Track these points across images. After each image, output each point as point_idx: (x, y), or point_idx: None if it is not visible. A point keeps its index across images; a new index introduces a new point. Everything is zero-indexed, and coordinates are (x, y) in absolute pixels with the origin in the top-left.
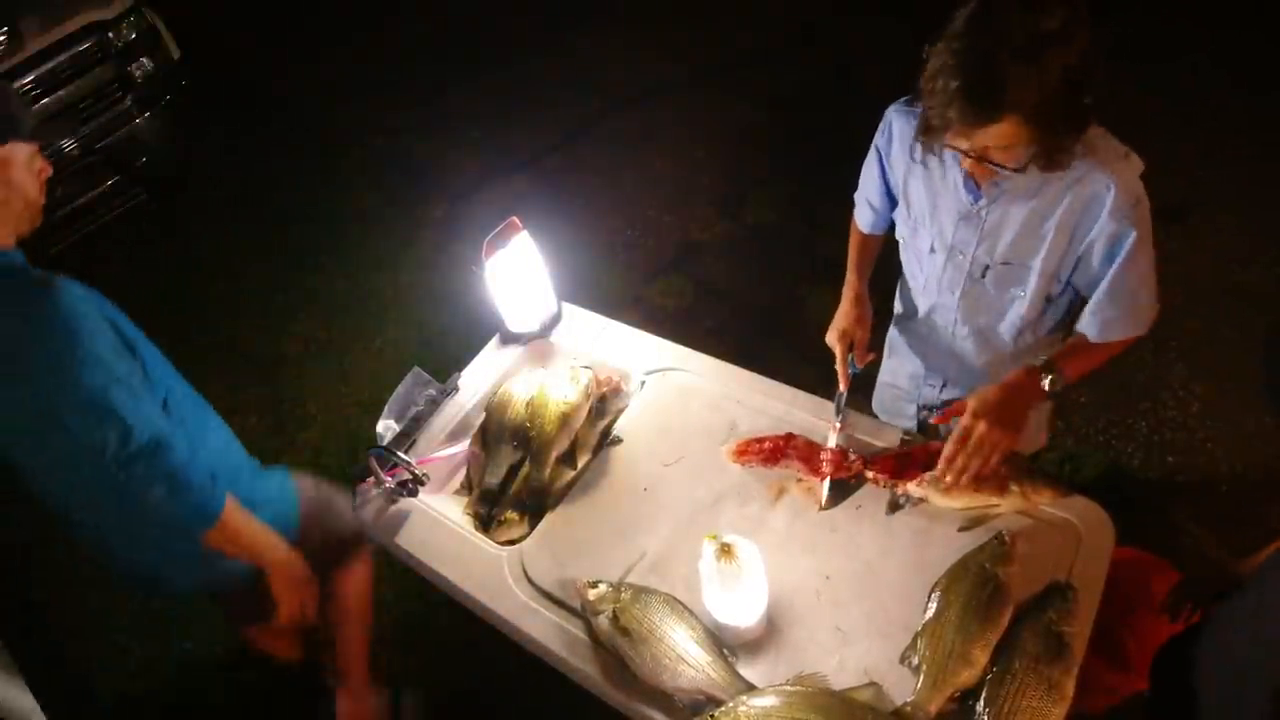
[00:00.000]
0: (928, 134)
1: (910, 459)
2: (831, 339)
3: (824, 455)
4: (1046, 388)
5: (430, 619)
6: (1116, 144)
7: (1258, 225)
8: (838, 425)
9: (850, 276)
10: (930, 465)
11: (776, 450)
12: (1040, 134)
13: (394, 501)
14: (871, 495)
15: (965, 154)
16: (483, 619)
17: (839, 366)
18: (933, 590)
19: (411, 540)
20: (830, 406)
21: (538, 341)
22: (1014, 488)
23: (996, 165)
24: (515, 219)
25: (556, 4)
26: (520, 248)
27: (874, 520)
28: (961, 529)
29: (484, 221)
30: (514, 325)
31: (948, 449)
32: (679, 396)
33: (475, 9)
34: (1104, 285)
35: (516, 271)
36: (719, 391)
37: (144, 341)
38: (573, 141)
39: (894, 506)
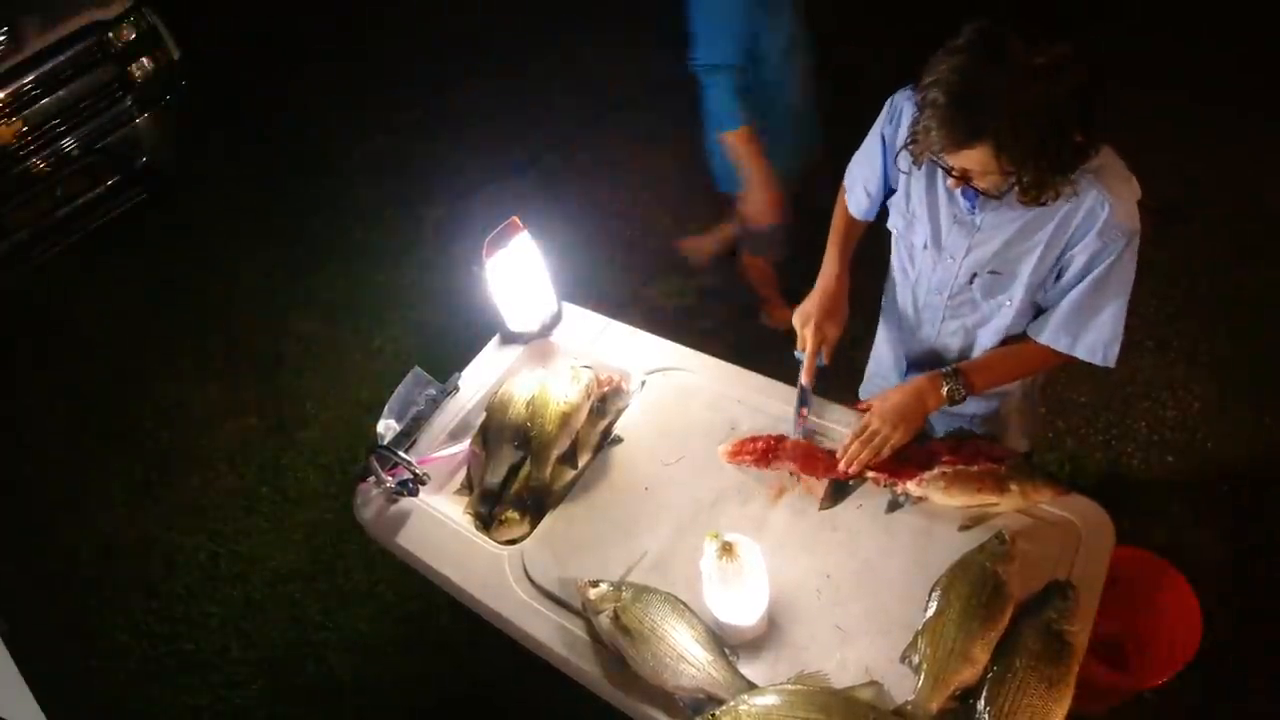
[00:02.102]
0: (915, 144)
1: (908, 458)
2: (800, 324)
3: (818, 455)
4: (944, 395)
5: (431, 619)
6: (1122, 167)
7: (1258, 226)
8: (804, 415)
9: (831, 257)
10: (928, 465)
11: (769, 450)
12: (1014, 166)
13: (394, 501)
14: (871, 494)
15: (949, 172)
16: (484, 618)
17: (805, 359)
18: (933, 589)
19: (412, 540)
20: (830, 406)
21: (538, 341)
22: (1014, 487)
23: (976, 189)
24: (515, 219)
25: (556, 4)
26: (520, 248)
27: (874, 519)
28: (961, 528)
29: (484, 221)
30: (514, 325)
31: (847, 441)
32: (679, 396)
33: (476, 9)
34: (1072, 295)
35: (516, 271)
36: (719, 391)
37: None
38: (572, 142)
39: (894, 505)
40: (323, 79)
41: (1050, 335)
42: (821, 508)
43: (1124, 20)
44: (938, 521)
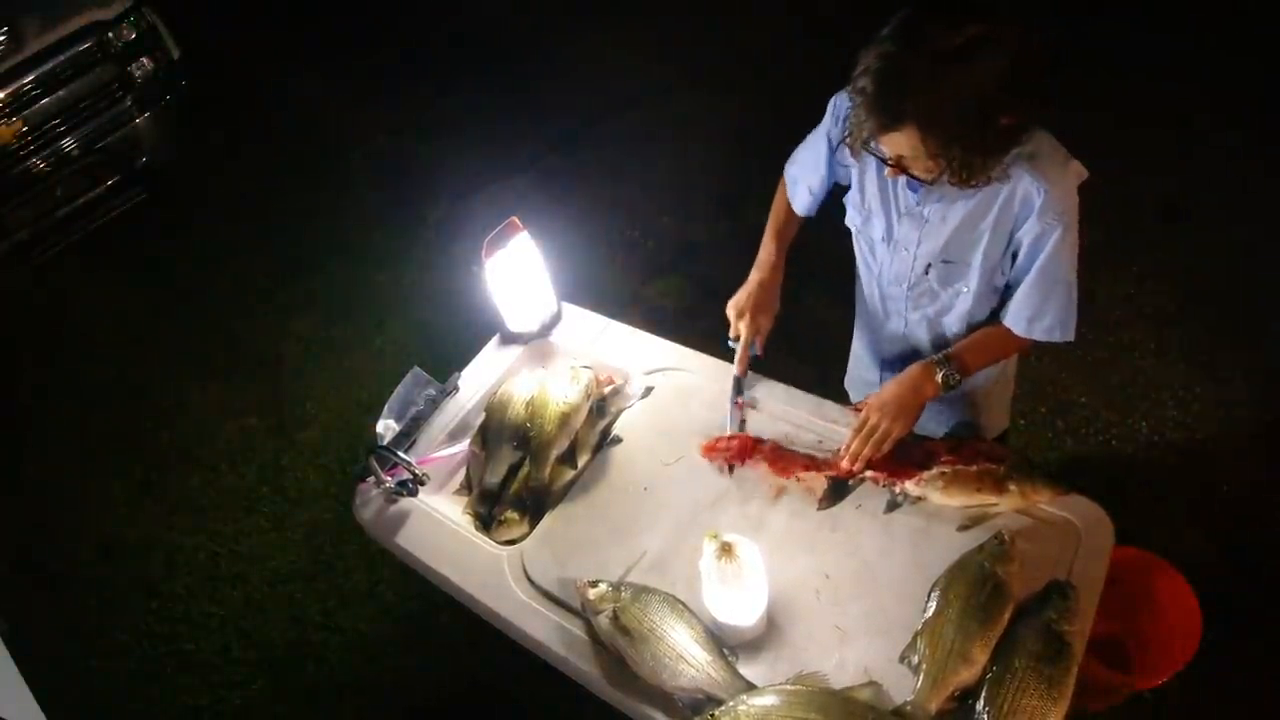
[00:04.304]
0: (851, 135)
1: (907, 458)
2: (733, 315)
3: (798, 461)
4: (940, 382)
5: (431, 619)
6: (1059, 152)
7: (1259, 225)
8: (740, 404)
9: (767, 249)
10: (927, 465)
11: (744, 449)
12: (941, 148)
13: (394, 501)
14: (870, 494)
15: (885, 161)
16: (483, 619)
17: (739, 350)
18: (932, 589)
19: (412, 540)
20: (829, 405)
21: (538, 341)
22: (1013, 487)
23: (910, 175)
24: (515, 219)
25: (557, 4)
26: (520, 248)
27: (873, 519)
28: (961, 528)
29: (484, 221)
30: (514, 325)
31: (848, 437)
32: (679, 396)
33: (476, 9)
34: (1024, 284)
35: (516, 271)
36: (719, 391)
37: None
38: (573, 141)
39: (893, 505)
40: (323, 79)
41: (1010, 320)
42: (820, 508)
43: (1124, 17)
44: (937, 522)
